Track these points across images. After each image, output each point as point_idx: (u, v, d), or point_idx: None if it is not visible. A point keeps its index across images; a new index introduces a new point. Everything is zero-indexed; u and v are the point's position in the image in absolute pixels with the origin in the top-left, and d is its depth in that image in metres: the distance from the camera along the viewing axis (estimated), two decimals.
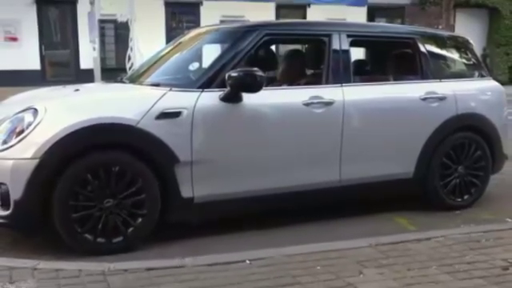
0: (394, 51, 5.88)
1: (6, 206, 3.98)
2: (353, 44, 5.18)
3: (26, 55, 19.99)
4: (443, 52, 5.87)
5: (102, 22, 17.31)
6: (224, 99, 4.43)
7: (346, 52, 5.08)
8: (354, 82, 5.10)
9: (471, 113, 5.59)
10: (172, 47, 5.75)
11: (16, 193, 3.92)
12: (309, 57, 5.71)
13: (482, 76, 6.01)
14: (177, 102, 4.34)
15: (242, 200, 4.62)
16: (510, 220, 5.02)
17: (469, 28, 23.83)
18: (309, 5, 23.42)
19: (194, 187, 4.38)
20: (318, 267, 3.65)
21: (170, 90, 4.44)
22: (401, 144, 5.25)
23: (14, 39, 20.13)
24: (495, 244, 4.16)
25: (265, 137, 4.66)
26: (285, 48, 6.65)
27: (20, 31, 20.18)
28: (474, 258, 3.86)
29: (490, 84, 5.98)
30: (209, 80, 4.50)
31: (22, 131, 4.02)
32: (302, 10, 23.55)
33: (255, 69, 4.39)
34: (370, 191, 5.22)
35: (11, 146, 3.98)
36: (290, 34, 5.39)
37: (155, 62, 5.54)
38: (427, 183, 5.39)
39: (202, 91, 4.43)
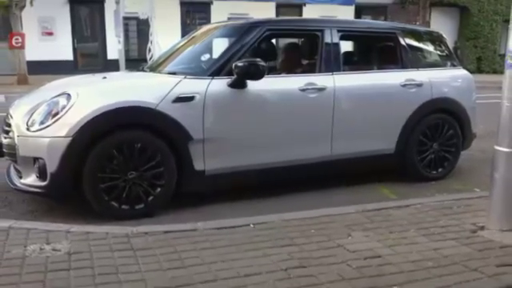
0: (377, 44, 5.86)
1: (43, 177, 3.98)
2: (342, 38, 5.15)
3: (61, 47, 19.92)
4: (420, 45, 5.81)
5: (125, 18, 17.22)
6: (231, 85, 4.41)
7: (337, 45, 5.04)
8: (343, 70, 5.06)
9: (444, 97, 5.55)
10: (186, 41, 5.69)
11: (52, 166, 3.91)
12: (304, 49, 5.66)
13: (453, 65, 5.97)
14: (190, 88, 4.30)
15: (246, 172, 4.60)
16: (477, 190, 4.98)
17: (442, 24, 23.83)
18: (305, 4, 23.31)
19: (205, 161, 4.36)
20: (312, 230, 3.63)
21: (185, 77, 4.41)
22: (384, 124, 5.21)
23: (50, 34, 20.06)
24: (465, 210, 4.13)
25: (266, 118, 4.63)
26: (283, 41, 6.56)
27: (55, 27, 20.09)
28: (447, 222, 3.84)
29: (460, 72, 5.94)
30: (218, 69, 4.47)
31: (57, 113, 4.00)
32: (298, 8, 23.38)
33: (258, 59, 4.37)
34: (357, 164, 5.18)
35: (48, 126, 3.96)
36: (288, 30, 5.31)
37: (172, 54, 5.49)
38: (406, 158, 5.36)
39: (213, 78, 4.40)
